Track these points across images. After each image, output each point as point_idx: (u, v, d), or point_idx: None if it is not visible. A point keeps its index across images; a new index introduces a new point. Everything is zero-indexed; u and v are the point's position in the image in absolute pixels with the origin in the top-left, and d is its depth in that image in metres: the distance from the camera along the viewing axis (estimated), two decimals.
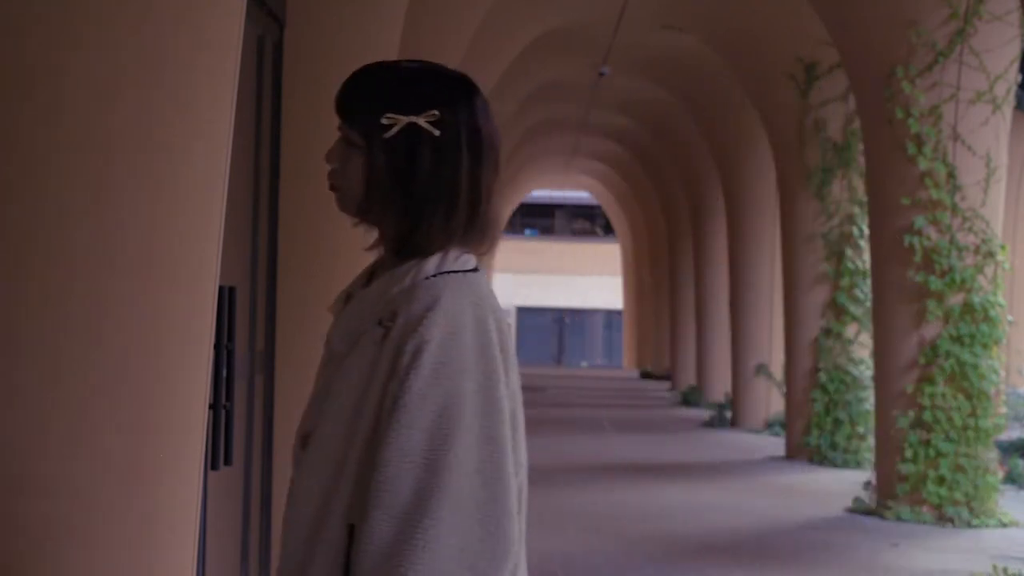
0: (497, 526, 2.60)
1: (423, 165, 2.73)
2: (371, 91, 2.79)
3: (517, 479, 2.72)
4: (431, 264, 2.73)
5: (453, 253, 2.76)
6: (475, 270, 2.78)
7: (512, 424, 2.71)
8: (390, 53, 9.21)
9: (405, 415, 2.60)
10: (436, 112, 2.74)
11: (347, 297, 2.87)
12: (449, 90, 2.80)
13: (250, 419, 8.17)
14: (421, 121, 2.73)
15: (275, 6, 8.33)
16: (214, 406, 6.34)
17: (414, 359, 2.62)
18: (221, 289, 6.16)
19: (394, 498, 2.56)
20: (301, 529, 2.69)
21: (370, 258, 3.01)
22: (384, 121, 2.74)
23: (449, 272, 2.73)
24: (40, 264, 3.90)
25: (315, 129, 8.70)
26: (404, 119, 2.74)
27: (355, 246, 8.98)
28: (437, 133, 2.73)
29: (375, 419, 2.65)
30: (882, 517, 13.60)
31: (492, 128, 2.82)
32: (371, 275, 2.85)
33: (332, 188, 2.84)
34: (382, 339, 2.68)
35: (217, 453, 6.45)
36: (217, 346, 6.22)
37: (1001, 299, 13.70)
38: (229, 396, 6.50)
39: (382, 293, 2.75)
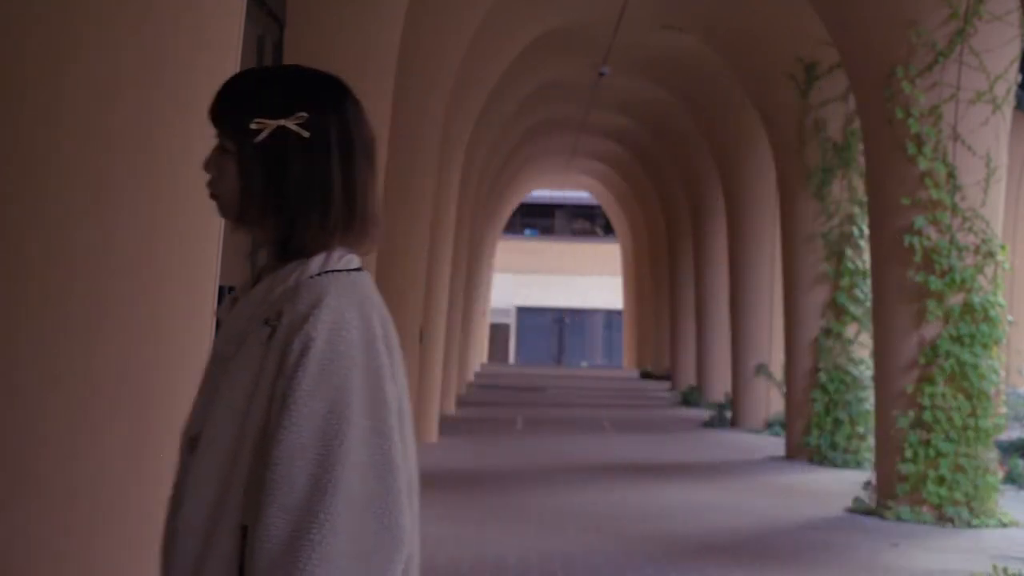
0: (389, 518, 2.64)
1: (294, 167, 2.75)
2: (240, 97, 2.81)
3: (407, 472, 2.75)
4: (315, 264, 2.75)
5: (336, 253, 2.78)
6: (359, 270, 2.81)
7: (399, 418, 2.75)
8: (390, 53, 9.22)
9: (295, 412, 2.61)
10: (304, 114, 2.76)
11: (234, 301, 2.87)
12: (317, 92, 2.81)
13: None
14: (290, 124, 2.75)
15: (275, 6, 8.33)
16: None
17: (301, 357, 2.64)
18: (221, 289, 6.16)
19: (287, 495, 2.59)
20: (193, 532, 2.70)
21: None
22: (253, 126, 2.76)
23: (333, 271, 2.75)
24: (40, 264, 3.90)
25: None
26: (272, 123, 2.76)
27: None
28: (306, 135, 2.76)
29: (264, 418, 2.66)
30: (882, 517, 13.60)
31: (364, 128, 2.83)
32: (257, 278, 2.86)
33: (212, 197, 2.85)
34: (268, 338, 2.70)
35: None
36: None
37: (1001, 299, 13.69)
38: None
39: (267, 293, 2.76)
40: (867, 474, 16.14)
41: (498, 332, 61.90)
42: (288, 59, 8.66)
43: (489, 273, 46.13)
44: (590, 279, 62.77)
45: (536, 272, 62.70)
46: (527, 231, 64.02)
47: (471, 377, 36.57)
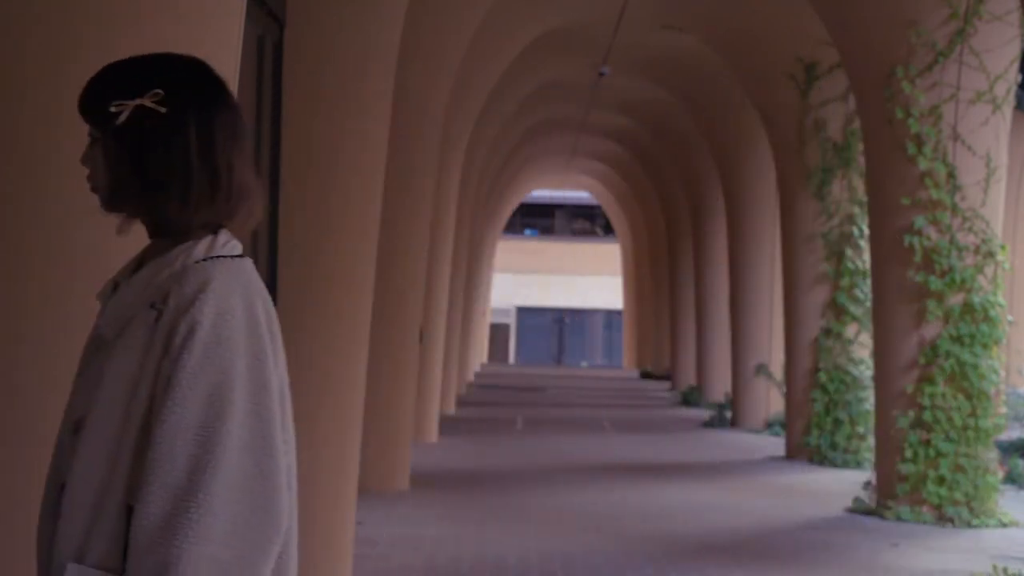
0: (267, 500, 2.68)
1: (154, 146, 2.78)
2: (101, 85, 2.84)
3: (286, 457, 2.79)
4: (200, 248, 2.79)
5: (221, 238, 2.82)
6: (242, 256, 2.84)
7: (281, 403, 2.80)
8: (390, 53, 9.22)
9: (178, 393, 2.66)
10: (159, 91, 2.79)
11: (115, 285, 2.90)
12: (174, 71, 2.84)
13: None
14: (146, 102, 2.78)
15: (275, 6, 8.33)
16: None
17: (187, 339, 2.69)
18: None
19: (168, 474, 2.63)
20: (81, 512, 2.73)
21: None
22: (113, 109, 2.79)
23: (218, 257, 2.79)
24: (40, 264, 3.90)
25: (315, 129, 8.70)
26: (131, 103, 2.79)
27: (355, 245, 8.98)
28: (164, 111, 2.78)
29: (150, 399, 2.71)
30: (882, 517, 13.60)
31: (225, 103, 2.86)
32: (140, 263, 2.89)
33: (92, 191, 2.88)
34: (155, 321, 2.74)
35: None
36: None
37: (1001, 299, 13.69)
38: None
39: (152, 277, 2.79)
40: (867, 474, 16.14)
41: (498, 332, 61.90)
42: (289, 60, 8.66)
43: (489, 273, 46.14)
44: (590, 279, 62.77)
45: (536, 272, 62.70)
46: (527, 231, 64.01)
47: (471, 377, 36.57)
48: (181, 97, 2.79)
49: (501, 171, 35.56)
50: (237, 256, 2.82)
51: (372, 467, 14.18)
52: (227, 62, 4.28)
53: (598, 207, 58.47)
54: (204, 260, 2.78)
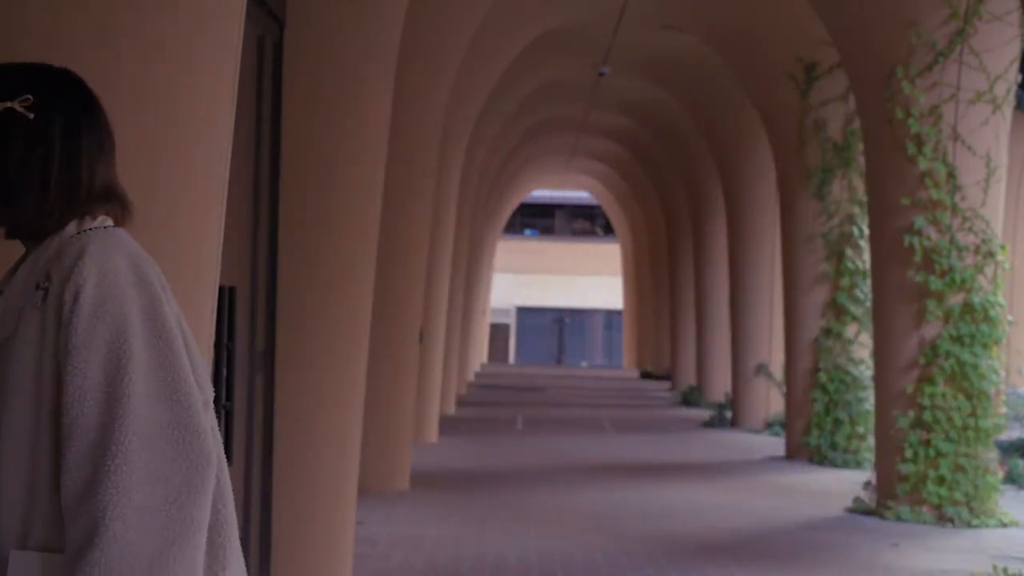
0: (185, 443, 2.71)
1: (16, 149, 2.81)
2: None
3: (210, 411, 2.83)
4: (71, 228, 2.83)
5: (88, 219, 2.85)
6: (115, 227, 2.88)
7: (188, 355, 2.82)
8: (390, 53, 9.21)
9: (76, 356, 2.70)
10: (29, 97, 2.82)
11: None
12: (44, 78, 2.88)
13: (250, 418, 8.17)
14: (15, 106, 2.82)
15: (275, 6, 8.33)
16: (214, 405, 6.34)
17: (74, 304, 2.72)
18: (221, 289, 6.15)
19: (82, 438, 2.67)
20: (16, 504, 2.75)
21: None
22: None
23: (91, 229, 2.83)
24: None
25: (315, 129, 8.70)
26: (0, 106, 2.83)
27: (355, 244, 8.97)
28: (31, 116, 2.81)
29: (56, 377, 2.75)
30: (882, 517, 13.60)
31: (96, 117, 2.89)
32: (16, 268, 2.92)
33: None
34: (43, 300, 2.77)
35: None
36: (217, 345, 6.22)
37: (1001, 299, 13.69)
38: (229, 395, 6.50)
39: (31, 268, 2.83)
40: (867, 474, 16.14)
41: (498, 332, 61.89)
42: (288, 59, 8.65)
43: (489, 273, 46.13)
44: (590, 279, 62.77)
45: (536, 272, 62.69)
46: (527, 231, 64.00)
47: (471, 377, 36.56)
48: (50, 105, 2.84)
49: (501, 171, 35.55)
50: (111, 227, 2.86)
51: (372, 467, 14.18)
52: (227, 62, 4.28)
53: (598, 207, 58.47)
54: (78, 234, 2.82)
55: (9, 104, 2.81)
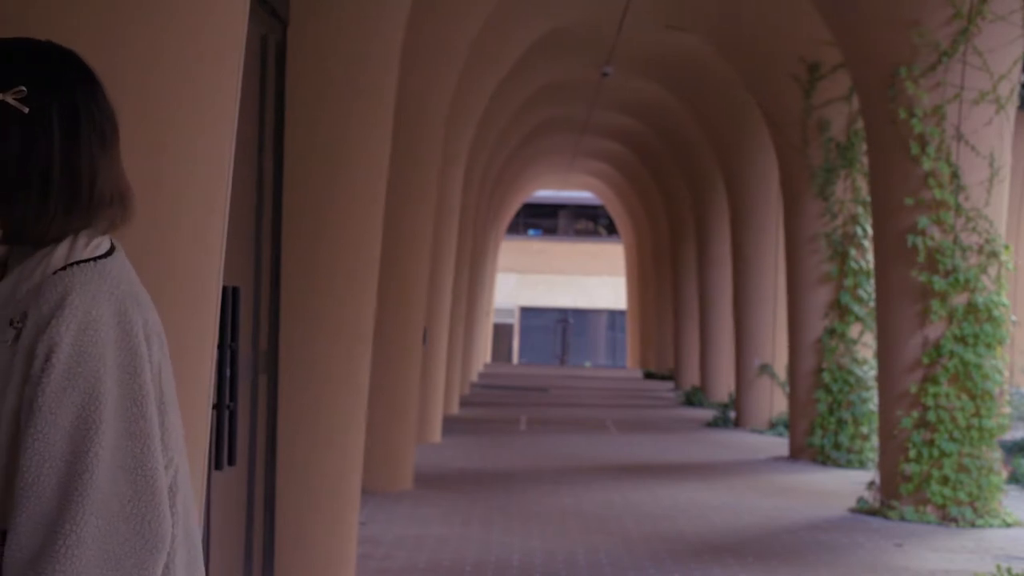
0: (142, 522, 2.55)
1: (12, 145, 2.59)
2: None
3: (170, 469, 2.66)
4: (59, 255, 2.61)
5: (82, 239, 2.64)
6: (108, 254, 2.66)
7: (162, 411, 2.65)
8: (393, 52, 9.21)
9: (41, 420, 2.51)
10: (23, 88, 2.60)
11: None
12: (40, 66, 2.64)
13: (253, 419, 8.17)
14: (8, 98, 2.60)
15: (278, 5, 8.32)
16: (218, 406, 6.34)
17: (46, 362, 2.52)
18: (225, 289, 6.15)
19: (36, 503, 2.51)
20: None
21: None
22: None
23: (78, 263, 2.61)
24: None
25: (318, 128, 8.70)
26: None
27: (358, 245, 8.97)
28: (26, 110, 2.60)
29: (14, 425, 2.56)
30: (886, 517, 13.59)
31: (97, 105, 2.68)
32: (4, 266, 2.70)
33: None
34: (14, 341, 2.57)
35: (221, 453, 6.44)
36: (221, 346, 6.22)
37: (1005, 299, 13.69)
38: (233, 396, 6.49)
39: (12, 292, 2.62)
40: (871, 474, 16.13)
41: (502, 332, 61.90)
42: (292, 59, 8.65)
43: (492, 273, 46.13)
44: (593, 279, 62.77)
45: (539, 272, 62.69)
46: (530, 231, 64.00)
47: (475, 377, 36.56)
48: (46, 97, 2.61)
49: (504, 171, 35.55)
50: (102, 256, 2.64)
51: (376, 467, 14.18)
52: (231, 62, 4.28)
53: (601, 207, 58.47)
54: (64, 268, 2.59)
55: (1, 97, 2.59)
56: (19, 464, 2.52)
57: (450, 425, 22.11)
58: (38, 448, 2.51)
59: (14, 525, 2.51)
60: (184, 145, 4.02)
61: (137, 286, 2.67)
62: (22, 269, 2.63)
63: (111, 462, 2.54)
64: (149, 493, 2.56)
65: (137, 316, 2.61)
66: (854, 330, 18.27)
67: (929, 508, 13.48)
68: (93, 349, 2.54)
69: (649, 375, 42.00)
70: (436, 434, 19.76)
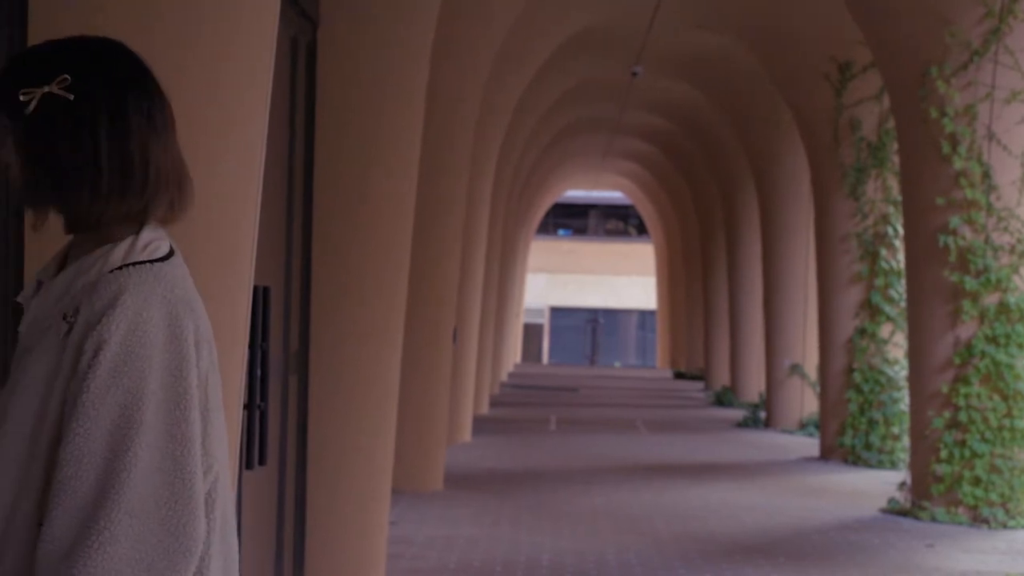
0: (177, 525, 2.56)
1: (62, 134, 2.64)
2: (11, 72, 2.71)
3: (210, 476, 2.67)
4: (118, 254, 2.65)
5: (144, 238, 2.67)
6: (166, 257, 2.68)
7: (205, 419, 2.66)
8: (423, 52, 9.22)
9: (83, 415, 2.54)
10: (66, 76, 2.64)
11: (38, 285, 2.75)
12: (83, 54, 2.69)
13: (284, 419, 8.19)
14: (54, 89, 2.64)
15: (308, 6, 8.34)
16: (248, 406, 6.36)
17: (93, 359, 2.55)
18: (255, 289, 6.16)
19: (72, 499, 2.52)
20: None
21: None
22: (22, 98, 2.66)
23: (135, 264, 2.64)
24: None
25: (349, 129, 8.72)
26: (38, 91, 2.65)
27: (388, 245, 8.98)
28: (72, 98, 2.64)
29: (59, 417, 2.59)
30: (917, 518, 13.55)
31: (141, 87, 2.72)
32: (64, 260, 2.74)
33: (13, 186, 2.74)
34: (65, 335, 2.60)
35: (252, 453, 6.46)
36: (251, 346, 6.23)
37: None
38: (264, 396, 6.51)
39: (68, 286, 2.66)
40: (902, 475, 16.08)
41: (532, 332, 61.88)
42: (322, 60, 8.67)
43: (522, 273, 46.13)
44: (623, 279, 62.71)
45: (569, 272, 62.66)
46: (560, 231, 63.98)
47: (505, 377, 36.57)
48: (90, 82, 2.65)
49: (534, 171, 35.55)
50: (160, 259, 2.66)
51: (406, 467, 14.19)
52: (262, 63, 4.29)
53: (631, 207, 58.40)
54: (120, 268, 2.63)
55: (47, 88, 2.64)
56: (58, 458, 2.54)
57: (480, 425, 22.12)
58: (79, 444, 2.53)
59: (49, 518, 2.53)
60: (215, 146, 4.03)
61: (192, 292, 2.69)
62: (80, 264, 2.67)
63: (150, 463, 2.55)
64: (186, 497, 2.57)
65: (188, 321, 2.64)
66: (885, 330, 18.23)
67: (960, 509, 13.44)
68: (140, 350, 2.57)
69: (679, 375, 41.95)
70: (466, 434, 19.77)
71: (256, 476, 7.14)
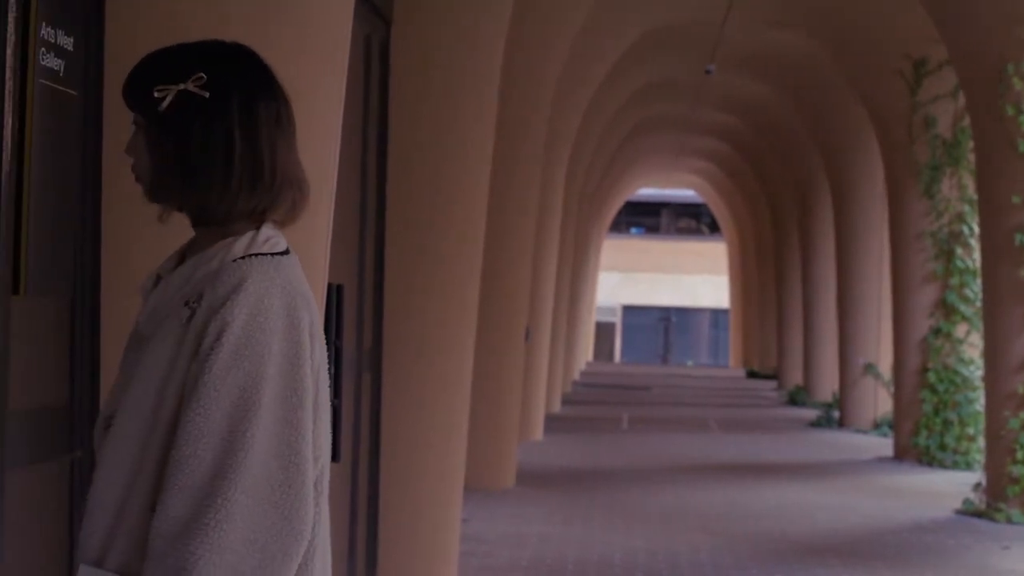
0: (290, 509, 2.60)
1: (197, 131, 2.71)
2: (145, 70, 2.77)
3: (317, 466, 2.71)
4: (240, 246, 2.72)
5: (264, 234, 2.75)
6: (285, 252, 2.76)
7: (315, 410, 2.71)
8: (496, 50, 9.24)
9: (204, 396, 2.60)
10: (202, 75, 2.72)
11: (156, 279, 2.82)
12: (216, 53, 2.78)
13: (357, 417, 8.22)
14: (190, 86, 2.71)
15: (382, 4, 8.37)
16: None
17: (216, 341, 2.61)
18: (329, 287, 6.19)
19: (189, 478, 2.57)
20: (104, 513, 2.67)
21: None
22: (156, 94, 2.72)
23: (257, 255, 2.71)
24: (139, 262, 3.94)
25: (422, 126, 8.74)
26: (174, 88, 2.71)
27: (461, 242, 9.01)
28: (207, 95, 2.71)
29: (178, 401, 2.65)
30: (992, 519, 13.45)
31: (270, 90, 2.80)
32: (182, 256, 2.81)
33: (137, 181, 2.80)
34: (187, 321, 2.67)
35: None
36: (326, 344, 6.25)
37: None
38: (337, 393, 6.53)
39: (190, 275, 2.73)
40: (977, 476, 15.96)
41: (604, 331, 61.83)
42: (396, 58, 8.69)
43: (595, 271, 46.09)
44: (696, 278, 62.56)
45: (642, 270, 62.57)
46: (633, 229, 63.90)
47: (577, 375, 36.55)
48: (225, 82, 2.73)
49: (607, 169, 35.51)
50: (280, 253, 2.74)
51: (478, 464, 14.20)
52: (336, 61, 4.31)
53: (704, 205, 58.26)
54: (242, 258, 2.70)
55: (183, 86, 2.71)
56: (177, 438, 2.60)
57: (552, 423, 22.12)
58: (198, 423, 2.59)
59: (164, 497, 2.58)
60: None
61: (306, 287, 2.76)
62: (201, 255, 2.74)
63: (266, 445, 2.61)
64: (299, 483, 2.63)
65: (305, 314, 2.70)
66: (960, 330, 18.09)
67: None
68: (261, 335, 2.63)
69: (752, 374, 41.79)
70: (538, 432, 19.78)
71: (329, 473, 7.16)
